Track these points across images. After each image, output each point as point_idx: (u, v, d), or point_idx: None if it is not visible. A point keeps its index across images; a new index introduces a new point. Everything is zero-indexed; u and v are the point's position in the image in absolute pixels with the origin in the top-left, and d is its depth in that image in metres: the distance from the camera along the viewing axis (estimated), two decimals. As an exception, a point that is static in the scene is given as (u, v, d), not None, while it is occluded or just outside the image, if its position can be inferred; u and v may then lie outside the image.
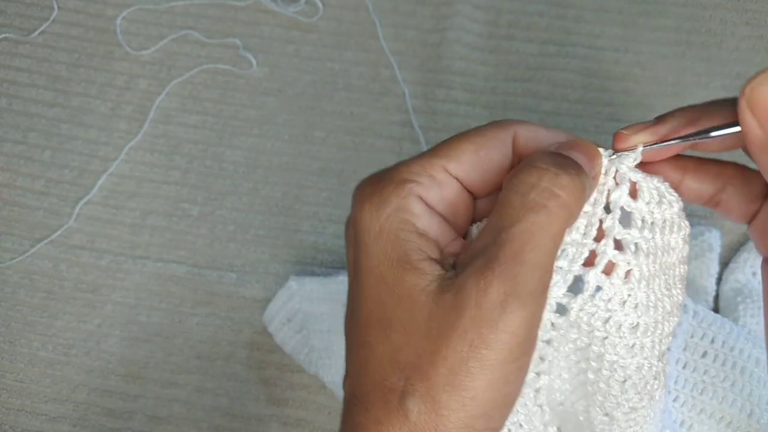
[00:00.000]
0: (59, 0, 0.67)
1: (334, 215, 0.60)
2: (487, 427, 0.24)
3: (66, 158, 0.62)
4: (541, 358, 0.28)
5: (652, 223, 0.27)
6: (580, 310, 0.26)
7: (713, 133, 0.26)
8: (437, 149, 0.27)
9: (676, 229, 0.27)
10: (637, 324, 0.27)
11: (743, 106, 0.24)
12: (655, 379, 0.28)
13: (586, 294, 0.26)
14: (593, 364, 0.28)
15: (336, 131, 0.62)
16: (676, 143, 0.27)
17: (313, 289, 0.54)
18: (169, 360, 0.57)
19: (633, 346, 0.27)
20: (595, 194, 0.27)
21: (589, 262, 0.26)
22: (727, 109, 0.26)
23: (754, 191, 0.29)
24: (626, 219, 0.27)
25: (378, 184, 0.27)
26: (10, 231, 0.61)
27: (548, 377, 0.29)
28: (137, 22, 0.66)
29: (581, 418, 0.30)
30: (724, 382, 0.44)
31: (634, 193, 0.27)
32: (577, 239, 0.27)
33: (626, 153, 0.27)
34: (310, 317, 0.53)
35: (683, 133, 0.27)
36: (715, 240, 0.54)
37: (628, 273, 0.26)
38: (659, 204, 0.27)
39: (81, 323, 0.58)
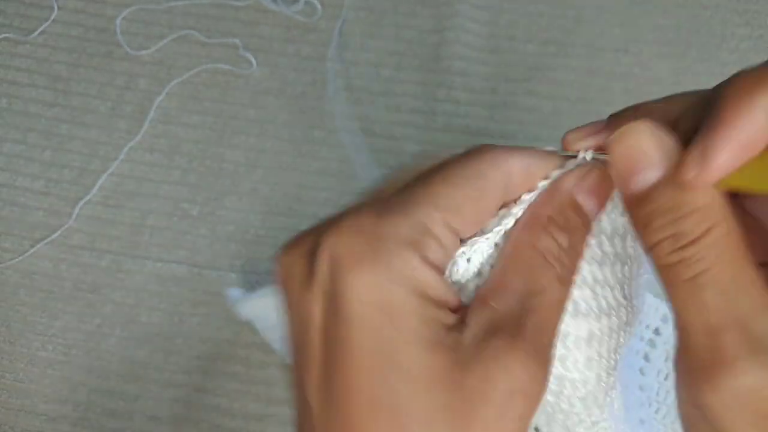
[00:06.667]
0: (59, 0, 0.67)
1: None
2: None
3: (66, 158, 0.62)
4: None
5: (599, 231, 0.25)
6: None
7: None
8: (432, 197, 0.23)
9: (631, 237, 0.25)
10: (592, 333, 0.25)
11: (612, 155, 0.23)
12: (613, 389, 0.28)
13: None
14: (553, 386, 0.26)
15: (336, 131, 0.62)
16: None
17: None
18: (169, 360, 0.57)
19: (590, 359, 0.26)
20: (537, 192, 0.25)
21: None
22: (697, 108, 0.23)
23: None
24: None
25: (372, 242, 0.22)
26: (10, 231, 0.61)
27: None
28: (137, 22, 0.66)
29: (544, 430, 0.29)
30: None
31: None
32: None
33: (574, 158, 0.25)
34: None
35: None
36: None
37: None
38: (608, 213, 0.25)
39: (81, 323, 0.58)
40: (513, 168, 0.24)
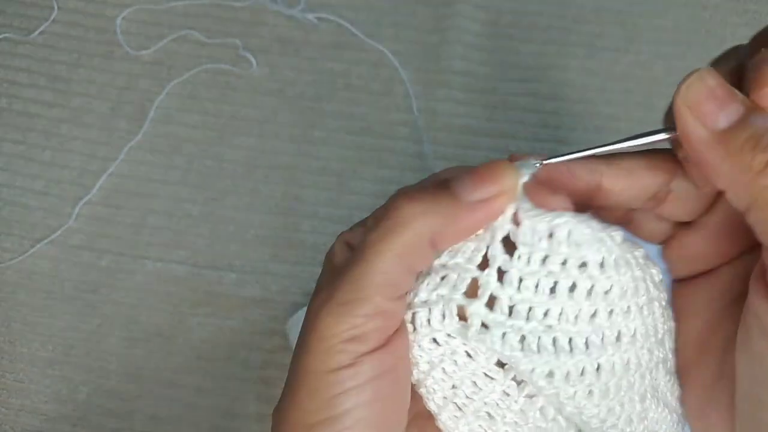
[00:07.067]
0: (59, 0, 0.67)
1: (334, 215, 0.60)
2: None
3: (66, 158, 0.62)
4: (522, 383, 0.26)
5: (544, 258, 0.24)
6: (476, 340, 0.25)
7: (632, 142, 0.24)
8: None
9: (596, 270, 0.24)
10: (551, 372, 0.24)
11: (681, 106, 0.23)
12: (604, 423, 0.26)
13: (473, 329, 0.24)
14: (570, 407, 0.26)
15: (336, 131, 0.62)
16: (586, 153, 0.25)
17: None
18: (169, 360, 0.57)
19: (557, 395, 0.25)
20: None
21: (473, 293, 0.25)
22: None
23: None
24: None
25: None
26: (10, 231, 0.61)
27: (546, 396, 0.27)
28: (137, 22, 0.66)
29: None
30: None
31: (517, 222, 0.25)
32: (460, 264, 0.25)
33: (524, 165, 0.25)
34: None
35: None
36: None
37: (511, 309, 0.24)
38: (550, 240, 0.24)
39: (81, 323, 0.58)
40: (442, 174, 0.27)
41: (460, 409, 0.27)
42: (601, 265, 0.25)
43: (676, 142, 0.24)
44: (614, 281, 0.25)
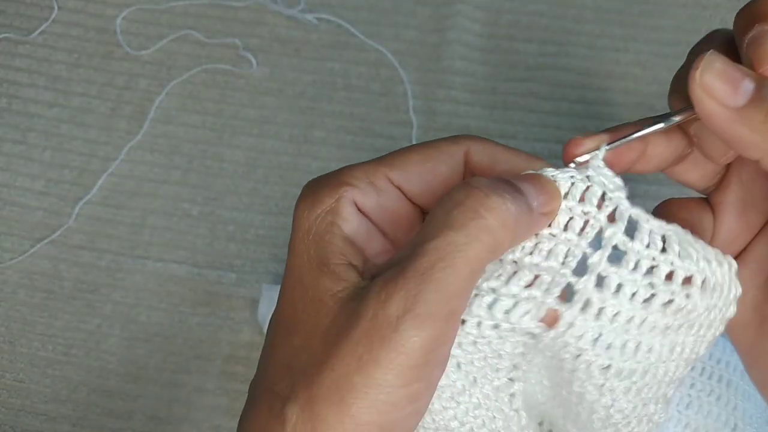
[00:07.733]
0: (59, 0, 0.67)
1: (334, 215, 0.60)
2: None
3: (66, 158, 0.62)
4: (515, 366, 0.27)
5: (652, 268, 0.25)
6: (552, 340, 0.25)
7: (655, 127, 0.26)
8: (384, 157, 0.26)
9: (698, 284, 0.25)
10: (609, 366, 0.25)
11: (698, 92, 0.23)
12: (626, 419, 0.27)
13: (560, 329, 0.25)
14: (564, 388, 0.27)
15: (336, 131, 0.62)
16: (637, 136, 0.26)
17: None
18: (169, 360, 0.57)
19: (602, 386, 0.26)
20: (580, 223, 0.25)
21: (564, 295, 0.25)
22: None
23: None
24: (616, 257, 0.25)
25: (317, 184, 0.26)
26: (10, 231, 0.61)
27: (523, 384, 0.28)
28: (137, 22, 0.66)
29: (560, 422, 0.30)
30: (710, 396, 0.43)
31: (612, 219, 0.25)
32: (554, 267, 0.25)
33: (594, 161, 0.25)
34: None
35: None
36: None
37: (600, 311, 0.25)
38: (664, 251, 0.25)
39: (81, 323, 0.58)
40: (472, 147, 0.27)
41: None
42: (702, 284, 0.25)
43: (686, 122, 0.26)
44: (705, 304, 0.25)
